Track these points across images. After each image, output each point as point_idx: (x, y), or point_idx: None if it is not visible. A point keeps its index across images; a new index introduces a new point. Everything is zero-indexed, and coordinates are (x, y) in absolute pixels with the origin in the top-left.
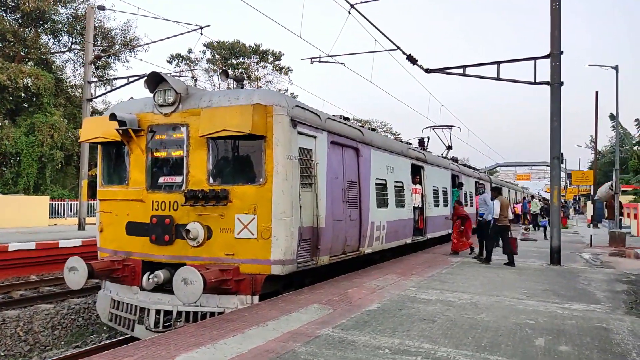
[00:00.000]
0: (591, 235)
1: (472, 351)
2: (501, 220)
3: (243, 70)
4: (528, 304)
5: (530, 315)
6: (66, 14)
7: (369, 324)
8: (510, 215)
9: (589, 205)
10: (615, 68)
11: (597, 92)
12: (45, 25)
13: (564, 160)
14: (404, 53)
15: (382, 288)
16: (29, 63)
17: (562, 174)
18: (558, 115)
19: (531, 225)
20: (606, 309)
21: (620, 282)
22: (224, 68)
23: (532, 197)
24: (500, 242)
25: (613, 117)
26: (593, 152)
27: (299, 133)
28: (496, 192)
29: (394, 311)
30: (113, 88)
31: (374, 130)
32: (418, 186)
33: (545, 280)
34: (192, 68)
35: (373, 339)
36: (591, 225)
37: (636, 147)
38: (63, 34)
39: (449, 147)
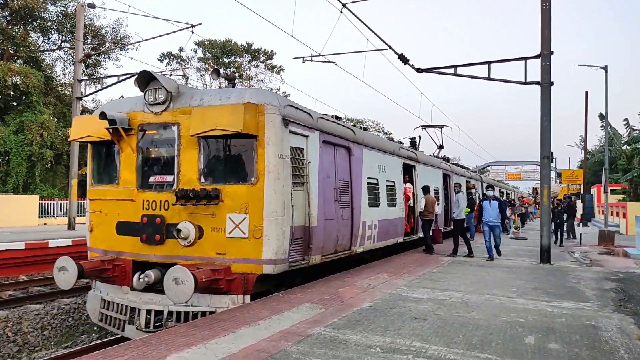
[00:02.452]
0: (580, 234)
1: (462, 349)
2: (425, 214)
3: (234, 69)
4: (518, 302)
5: (520, 314)
6: (56, 12)
7: (361, 323)
8: (438, 211)
9: (579, 204)
10: (605, 68)
11: (586, 92)
12: (35, 23)
13: (554, 160)
14: (395, 52)
15: (374, 287)
16: (18, 61)
17: (552, 173)
18: (548, 115)
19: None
20: (595, 307)
21: (608, 281)
22: (215, 67)
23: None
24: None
25: (602, 117)
26: (583, 151)
27: (291, 132)
28: (424, 190)
29: (386, 310)
30: (103, 87)
31: (365, 129)
32: (409, 185)
33: (535, 279)
34: (183, 67)
35: (364, 338)
36: (580, 223)
37: (625, 146)
38: (53, 32)
39: (441, 147)
